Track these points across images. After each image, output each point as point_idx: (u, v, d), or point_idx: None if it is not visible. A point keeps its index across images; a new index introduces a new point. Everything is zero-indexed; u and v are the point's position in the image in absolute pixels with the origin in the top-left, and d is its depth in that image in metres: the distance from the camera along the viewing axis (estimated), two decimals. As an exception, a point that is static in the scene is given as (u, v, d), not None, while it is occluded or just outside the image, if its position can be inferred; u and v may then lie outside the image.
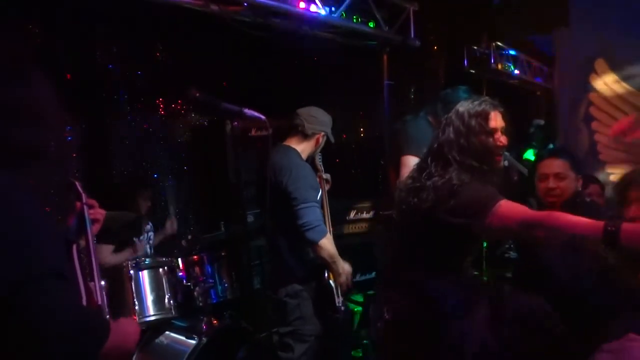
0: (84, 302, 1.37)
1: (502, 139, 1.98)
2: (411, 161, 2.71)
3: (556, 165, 2.43)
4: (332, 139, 2.93)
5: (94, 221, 1.69)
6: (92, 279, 1.56)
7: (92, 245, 1.64)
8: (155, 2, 3.12)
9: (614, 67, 3.83)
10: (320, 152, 2.99)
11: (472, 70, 5.29)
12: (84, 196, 1.69)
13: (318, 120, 2.83)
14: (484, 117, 1.95)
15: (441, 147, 1.97)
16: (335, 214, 3.32)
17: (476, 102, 1.99)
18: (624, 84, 3.83)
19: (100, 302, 1.51)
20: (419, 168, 2.05)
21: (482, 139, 1.94)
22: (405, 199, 2.00)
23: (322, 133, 2.84)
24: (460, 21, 4.36)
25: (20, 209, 1.15)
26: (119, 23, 3.42)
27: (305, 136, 2.80)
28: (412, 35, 4.32)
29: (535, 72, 6.52)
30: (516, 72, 6.15)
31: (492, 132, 1.95)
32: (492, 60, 5.56)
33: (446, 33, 4.49)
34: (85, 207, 1.68)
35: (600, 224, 1.57)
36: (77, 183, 1.77)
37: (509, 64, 6.04)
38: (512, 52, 6.04)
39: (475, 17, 4.38)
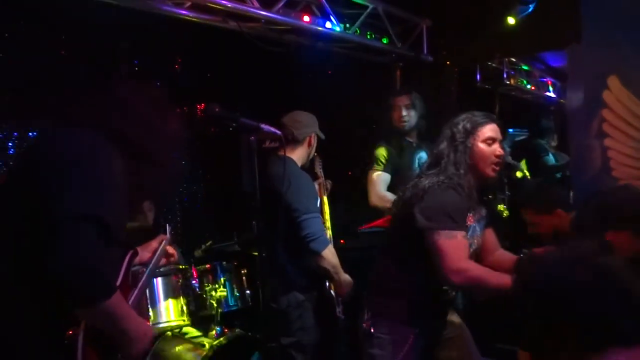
0: None
1: (499, 150, 2.04)
2: None
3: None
4: (322, 136, 2.90)
5: (166, 254, 1.90)
6: (134, 285, 1.68)
7: (149, 269, 1.80)
8: (175, 17, 3.22)
9: (627, 84, 3.82)
10: (320, 159, 2.99)
11: (485, 86, 5.31)
12: (168, 236, 1.93)
13: (304, 123, 2.81)
14: (481, 126, 2.05)
15: (438, 156, 2.06)
16: (346, 226, 3.35)
17: (473, 115, 2.09)
18: (637, 101, 3.82)
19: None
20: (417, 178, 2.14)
21: (479, 147, 2.02)
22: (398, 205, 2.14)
23: (313, 134, 2.83)
24: (472, 37, 4.40)
25: (97, 161, 1.36)
26: (139, 37, 3.52)
27: (296, 142, 2.78)
28: (425, 51, 4.39)
29: (549, 88, 6.53)
30: (529, 87, 6.17)
31: (490, 141, 2.03)
32: (505, 76, 5.58)
33: (459, 49, 4.53)
34: (165, 241, 1.88)
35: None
36: (168, 225, 2.10)
37: (522, 80, 6.06)
38: (525, 68, 6.06)
39: (488, 33, 4.41)
